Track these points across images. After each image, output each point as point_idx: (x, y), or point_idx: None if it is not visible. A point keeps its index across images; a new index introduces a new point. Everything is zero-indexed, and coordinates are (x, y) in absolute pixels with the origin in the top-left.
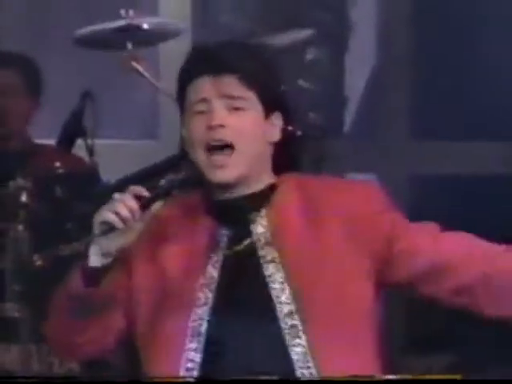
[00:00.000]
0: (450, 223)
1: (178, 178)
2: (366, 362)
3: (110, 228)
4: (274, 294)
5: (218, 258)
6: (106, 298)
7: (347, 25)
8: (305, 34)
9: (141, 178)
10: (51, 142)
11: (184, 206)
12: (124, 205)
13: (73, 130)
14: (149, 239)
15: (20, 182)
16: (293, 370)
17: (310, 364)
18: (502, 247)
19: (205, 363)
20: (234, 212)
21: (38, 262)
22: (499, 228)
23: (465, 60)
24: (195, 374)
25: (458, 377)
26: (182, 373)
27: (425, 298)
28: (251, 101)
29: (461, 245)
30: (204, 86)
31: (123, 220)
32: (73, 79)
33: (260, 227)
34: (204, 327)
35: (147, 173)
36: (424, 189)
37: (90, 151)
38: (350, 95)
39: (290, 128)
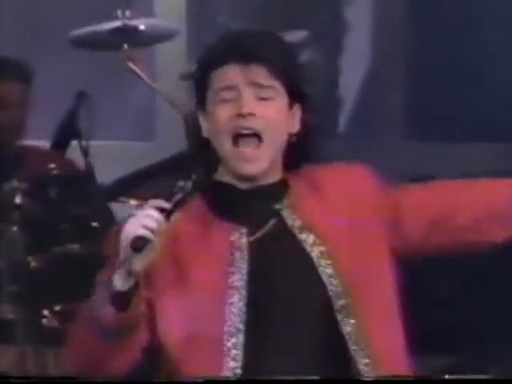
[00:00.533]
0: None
1: (190, 184)
2: (400, 337)
3: (143, 243)
4: (324, 277)
5: (242, 252)
6: (138, 318)
7: (342, 25)
8: (300, 35)
9: (137, 179)
10: (46, 143)
11: (189, 207)
12: (150, 217)
13: (68, 131)
14: (165, 248)
15: (14, 183)
16: (345, 347)
17: (362, 342)
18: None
19: (247, 360)
20: (255, 202)
21: (33, 264)
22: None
23: (460, 60)
24: (239, 371)
25: (460, 377)
26: (226, 373)
27: (439, 250)
28: (278, 91)
29: (458, 185)
30: (233, 74)
31: (153, 232)
32: (68, 80)
33: (288, 214)
34: (242, 323)
35: (143, 174)
36: None
37: (85, 152)
38: (345, 95)
39: (309, 120)
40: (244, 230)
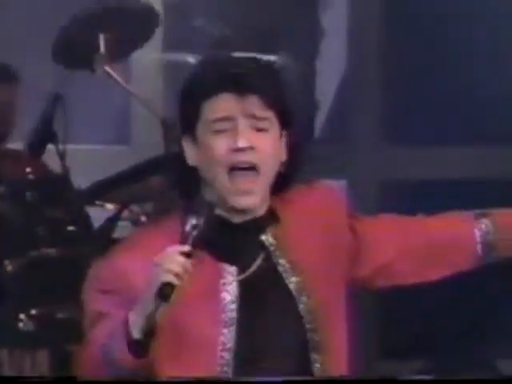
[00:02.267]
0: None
1: (201, 221)
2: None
3: (169, 292)
4: (302, 312)
5: (231, 284)
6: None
7: (318, 29)
8: (276, 36)
9: (113, 183)
10: (22, 146)
11: (169, 234)
12: (177, 263)
13: (44, 135)
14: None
15: None
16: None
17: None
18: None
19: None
20: (246, 236)
21: (9, 268)
22: None
23: (438, 63)
24: None
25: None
26: None
27: (380, 287)
28: (272, 121)
29: (400, 227)
30: (228, 104)
31: (181, 278)
32: (44, 83)
33: (272, 244)
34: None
35: (119, 178)
36: (395, 194)
37: (62, 156)
38: (321, 99)
39: (295, 145)
40: (234, 270)
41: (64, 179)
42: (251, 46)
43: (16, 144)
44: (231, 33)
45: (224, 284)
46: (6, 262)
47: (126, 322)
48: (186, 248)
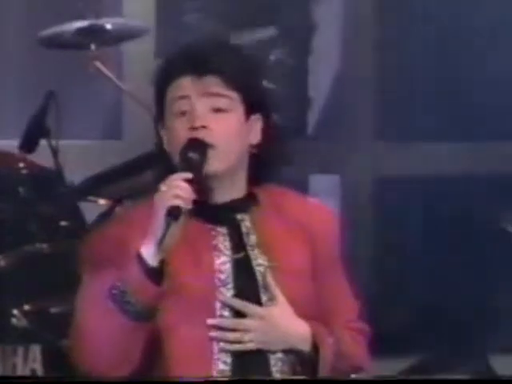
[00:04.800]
0: (414, 224)
1: (199, 155)
2: None
3: (178, 212)
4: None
5: (222, 261)
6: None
7: (311, 25)
8: (269, 32)
9: (105, 178)
10: (15, 142)
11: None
12: (180, 188)
13: (36, 131)
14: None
15: None
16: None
17: None
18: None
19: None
20: (223, 217)
21: (2, 263)
22: (467, 228)
23: (432, 59)
24: (228, 374)
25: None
26: (214, 374)
27: None
28: (234, 101)
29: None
30: (185, 85)
31: (187, 201)
32: (36, 79)
33: (250, 232)
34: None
35: (112, 173)
36: (389, 190)
37: (54, 152)
38: (314, 96)
39: (271, 130)
40: (224, 230)
41: (57, 175)
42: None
43: (9, 140)
44: (223, 29)
45: (216, 245)
46: None
47: (138, 257)
48: (188, 175)
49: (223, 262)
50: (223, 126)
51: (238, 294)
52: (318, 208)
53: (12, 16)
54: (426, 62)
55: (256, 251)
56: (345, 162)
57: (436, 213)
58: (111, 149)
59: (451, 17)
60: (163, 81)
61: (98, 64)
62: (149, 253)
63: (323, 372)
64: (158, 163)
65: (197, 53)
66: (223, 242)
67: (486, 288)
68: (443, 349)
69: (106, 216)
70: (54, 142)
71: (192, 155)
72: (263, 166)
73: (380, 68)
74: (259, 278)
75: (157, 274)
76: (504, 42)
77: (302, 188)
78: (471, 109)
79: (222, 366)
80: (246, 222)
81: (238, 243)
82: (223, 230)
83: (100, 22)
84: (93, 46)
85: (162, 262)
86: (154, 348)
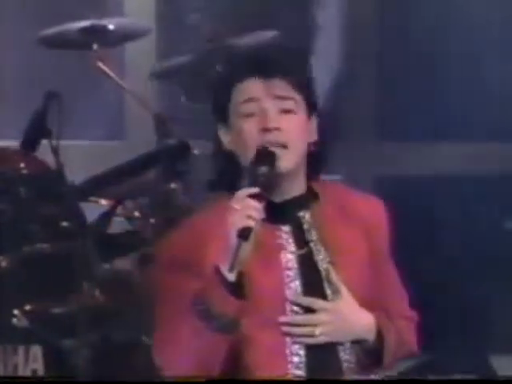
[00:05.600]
0: (414, 223)
1: (268, 169)
2: None
3: (249, 233)
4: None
5: (288, 258)
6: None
7: (313, 26)
8: (270, 34)
9: (107, 179)
10: (16, 142)
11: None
12: (252, 208)
13: (37, 131)
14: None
15: None
16: None
17: None
18: None
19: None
20: (286, 215)
21: (3, 263)
22: (468, 227)
23: (432, 60)
24: (303, 369)
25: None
26: (291, 373)
27: None
28: (298, 103)
29: None
30: (255, 87)
31: (257, 221)
32: (38, 79)
33: (311, 228)
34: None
35: (113, 174)
36: (390, 190)
37: (55, 152)
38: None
39: (324, 128)
40: (287, 228)
41: (58, 175)
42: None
43: (10, 140)
44: (224, 30)
45: (281, 244)
46: (0, 257)
47: (217, 271)
48: (257, 190)
49: (289, 260)
50: (292, 126)
51: (305, 290)
52: (370, 200)
53: (14, 15)
54: (426, 61)
55: (318, 246)
56: (345, 163)
57: (436, 212)
58: (113, 149)
59: (452, 16)
60: (229, 83)
61: (101, 64)
62: (227, 269)
63: (387, 360)
64: (158, 163)
65: (264, 56)
66: (287, 239)
67: (487, 288)
68: (444, 349)
69: (107, 216)
70: (55, 142)
71: (262, 169)
72: (320, 162)
73: (381, 68)
74: (323, 272)
75: (237, 288)
76: (505, 41)
77: None
78: (472, 109)
79: (296, 358)
80: (307, 218)
81: (301, 239)
82: (286, 228)
83: (102, 22)
84: (95, 46)
85: (240, 275)
86: (234, 356)
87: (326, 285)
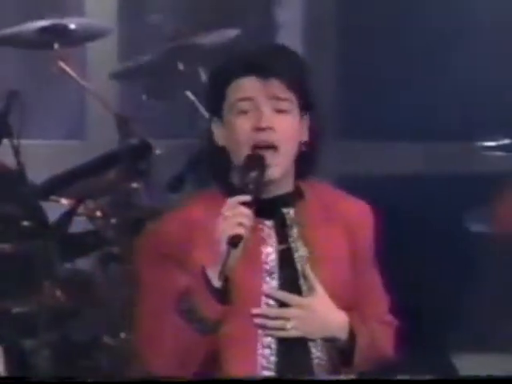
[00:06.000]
0: (377, 223)
1: (258, 175)
2: None
3: (239, 240)
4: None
5: (268, 252)
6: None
7: (274, 25)
8: (232, 33)
9: (68, 178)
10: None
11: (213, 207)
12: (243, 215)
13: None
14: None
15: None
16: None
17: None
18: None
19: (281, 353)
20: (271, 211)
21: None
22: (429, 227)
23: (394, 59)
24: (273, 368)
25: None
26: (258, 370)
27: None
28: (293, 103)
29: None
30: (251, 86)
31: (248, 229)
32: None
33: (293, 225)
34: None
35: (74, 173)
36: (353, 189)
37: (16, 151)
38: None
39: (315, 127)
40: (271, 223)
41: (19, 174)
42: None
43: None
44: (185, 29)
45: (263, 238)
46: None
47: (202, 275)
48: (248, 198)
49: (269, 254)
50: (285, 126)
51: (282, 284)
52: (357, 203)
53: None
54: (390, 61)
55: (298, 243)
56: None
57: (401, 212)
58: (74, 148)
59: (414, 9)
60: (224, 79)
61: (62, 64)
62: (214, 274)
63: (358, 361)
64: (120, 162)
65: (261, 56)
66: (270, 234)
67: (449, 287)
68: (404, 349)
69: (68, 215)
70: (16, 142)
71: (252, 175)
72: (310, 161)
73: (343, 66)
74: (299, 269)
75: (222, 294)
76: (476, 39)
77: None
78: (436, 107)
79: (267, 351)
80: (290, 214)
81: (283, 235)
82: (270, 223)
83: (63, 21)
84: (56, 46)
85: (226, 280)
86: (213, 352)
87: (302, 281)
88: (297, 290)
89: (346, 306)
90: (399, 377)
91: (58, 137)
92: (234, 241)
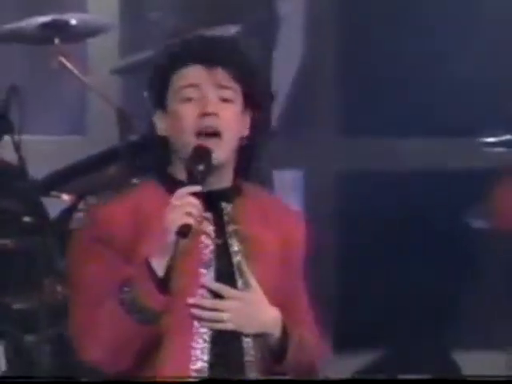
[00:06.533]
0: (376, 220)
1: (205, 167)
2: None
3: (188, 229)
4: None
5: (206, 244)
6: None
7: (275, 20)
8: (232, 29)
9: (69, 174)
10: None
11: (153, 197)
12: (192, 205)
13: None
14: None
15: None
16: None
17: None
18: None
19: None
20: (210, 204)
21: None
22: (430, 224)
23: (394, 55)
24: (206, 359)
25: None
26: (192, 361)
27: None
28: (237, 93)
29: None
30: (196, 73)
31: (197, 219)
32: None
33: (230, 221)
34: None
35: (75, 169)
36: (352, 186)
37: (17, 147)
38: (277, 91)
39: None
40: (209, 216)
41: (19, 170)
42: None
43: None
44: (186, 25)
45: (201, 230)
46: None
47: (147, 265)
48: (198, 188)
49: (206, 246)
50: (229, 114)
51: (218, 277)
52: (290, 211)
53: None
54: (390, 57)
55: (233, 239)
56: (307, 158)
57: (398, 208)
58: (75, 144)
59: (415, 5)
60: (169, 67)
61: (62, 59)
62: (158, 263)
63: (289, 360)
64: (121, 158)
65: (208, 44)
66: (208, 226)
67: (449, 285)
68: (405, 346)
69: (69, 211)
70: (17, 137)
71: (199, 166)
72: (248, 158)
73: (343, 63)
74: (235, 264)
75: (165, 283)
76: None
77: (267, 183)
78: (434, 104)
79: (201, 343)
80: (228, 210)
81: (221, 230)
82: (209, 215)
83: (64, 16)
84: (57, 41)
85: (169, 270)
86: (149, 345)
87: (237, 276)
88: (232, 284)
89: (278, 304)
90: (399, 377)
91: (59, 132)
92: (183, 230)
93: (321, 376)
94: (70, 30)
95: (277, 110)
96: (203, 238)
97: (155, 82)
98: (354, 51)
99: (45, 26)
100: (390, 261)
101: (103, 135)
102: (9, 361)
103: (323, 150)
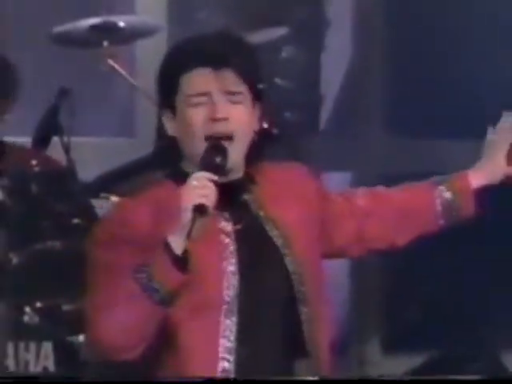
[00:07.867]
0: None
1: (221, 161)
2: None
3: (205, 210)
4: (288, 266)
5: (227, 228)
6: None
7: (323, 22)
8: (281, 31)
9: (118, 175)
10: (28, 139)
11: (164, 196)
12: (208, 188)
13: (49, 128)
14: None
15: None
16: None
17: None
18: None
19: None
20: (227, 195)
21: (14, 260)
22: (476, 226)
23: (440, 56)
24: (232, 347)
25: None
26: (220, 353)
27: (354, 254)
28: (245, 94)
29: (374, 194)
30: (204, 79)
31: (212, 202)
32: (49, 77)
33: (255, 206)
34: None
35: (124, 171)
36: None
37: (67, 149)
38: (326, 93)
39: (266, 122)
40: (228, 216)
41: (69, 172)
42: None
43: (22, 137)
44: (234, 25)
45: (222, 228)
46: (11, 254)
47: (165, 244)
48: (214, 176)
49: (228, 232)
50: (240, 117)
51: (240, 262)
52: (293, 167)
53: (25, 13)
54: (436, 58)
55: (267, 223)
56: (356, 159)
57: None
58: (124, 146)
59: (461, 9)
60: (177, 70)
61: (111, 61)
62: (176, 242)
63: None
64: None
65: (213, 45)
66: (225, 215)
67: (501, 286)
68: (454, 347)
69: None
70: (66, 139)
71: (216, 161)
72: (259, 149)
73: (391, 64)
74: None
75: (182, 262)
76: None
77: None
78: (481, 107)
79: (228, 333)
80: (246, 198)
81: (239, 217)
82: (226, 214)
83: (113, 19)
84: (106, 44)
85: (186, 252)
86: (164, 336)
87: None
88: (255, 269)
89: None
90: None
91: (108, 134)
92: (200, 209)
93: (373, 376)
94: (118, 32)
95: (325, 111)
96: (223, 225)
97: (163, 85)
98: (403, 52)
99: (94, 28)
100: (440, 262)
101: (152, 137)
102: (58, 361)
103: (371, 152)
